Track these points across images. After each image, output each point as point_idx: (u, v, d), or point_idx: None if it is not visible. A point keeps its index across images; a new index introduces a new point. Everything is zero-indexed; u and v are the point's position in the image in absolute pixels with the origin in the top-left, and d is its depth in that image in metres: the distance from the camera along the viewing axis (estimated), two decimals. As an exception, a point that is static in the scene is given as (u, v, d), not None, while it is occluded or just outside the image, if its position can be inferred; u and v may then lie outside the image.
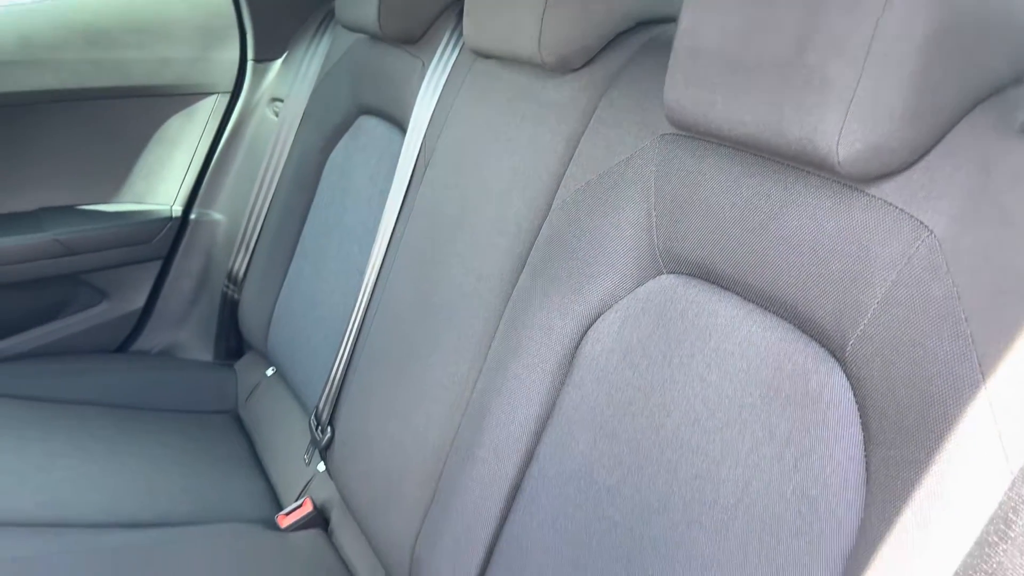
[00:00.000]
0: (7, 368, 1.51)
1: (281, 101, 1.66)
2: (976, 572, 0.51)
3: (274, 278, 1.56)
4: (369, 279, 1.25)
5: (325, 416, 1.26)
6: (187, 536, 1.18)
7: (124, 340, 1.71)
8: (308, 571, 1.15)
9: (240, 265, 1.65)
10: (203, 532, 1.20)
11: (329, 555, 1.20)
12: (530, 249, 0.95)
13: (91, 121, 1.60)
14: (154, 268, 1.69)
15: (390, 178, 1.29)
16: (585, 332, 0.88)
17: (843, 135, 0.61)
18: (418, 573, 0.98)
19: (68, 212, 1.61)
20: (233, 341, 1.72)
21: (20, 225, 1.55)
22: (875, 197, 0.63)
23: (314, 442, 1.27)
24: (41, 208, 1.59)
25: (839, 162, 0.62)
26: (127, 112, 1.63)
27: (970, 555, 0.52)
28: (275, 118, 1.69)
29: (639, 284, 0.84)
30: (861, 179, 0.63)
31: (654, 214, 0.81)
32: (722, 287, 0.76)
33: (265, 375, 1.60)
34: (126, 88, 1.59)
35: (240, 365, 1.70)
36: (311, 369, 1.39)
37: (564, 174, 0.93)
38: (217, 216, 1.73)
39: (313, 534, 1.24)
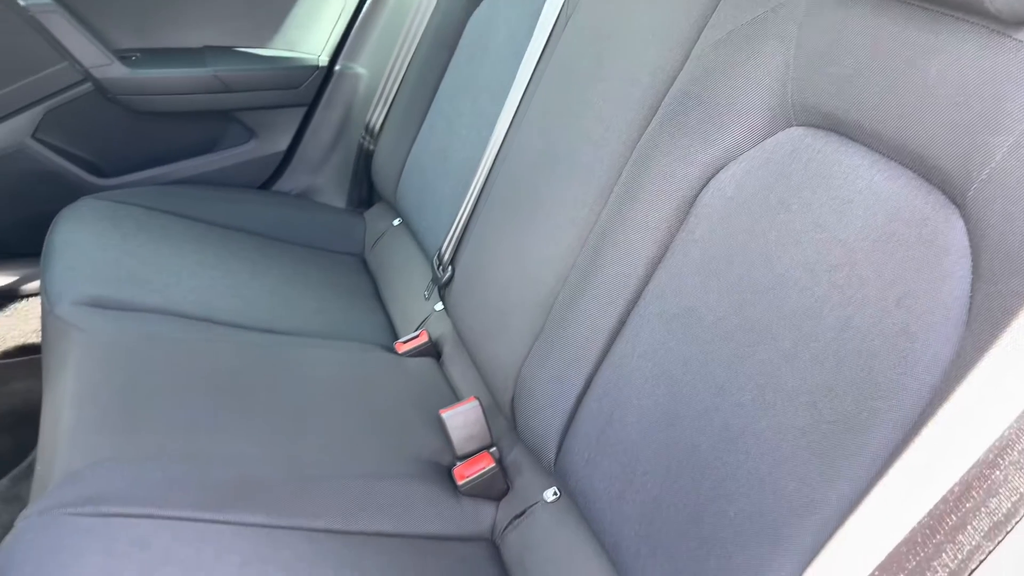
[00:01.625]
0: (168, 190, 1.68)
1: (429, -41, 1.71)
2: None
3: (408, 132, 1.64)
4: (499, 131, 1.31)
5: (447, 257, 1.34)
6: (317, 345, 1.31)
7: (267, 179, 1.85)
8: (420, 389, 1.27)
9: (377, 118, 1.74)
10: (331, 345, 1.32)
11: (439, 379, 1.31)
12: (662, 100, 0.98)
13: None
14: (299, 114, 1.81)
15: (530, 35, 1.32)
16: (707, 182, 0.91)
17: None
18: (520, 394, 1.07)
19: (228, 52, 1.73)
20: (365, 191, 1.83)
21: (186, 60, 1.68)
22: (1021, 41, 0.63)
23: (435, 280, 1.37)
24: (206, 46, 1.72)
25: (992, 2, 0.62)
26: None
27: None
28: (422, -24, 1.74)
29: (767, 136, 0.86)
30: (1012, 21, 0.63)
31: (792, 64, 0.83)
32: (850, 138, 0.78)
33: (392, 224, 1.71)
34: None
35: (369, 214, 1.81)
36: (436, 218, 1.48)
37: (706, 25, 0.94)
38: (360, 70, 1.82)
39: (427, 361, 1.35)
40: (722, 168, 0.90)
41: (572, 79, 1.14)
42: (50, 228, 1.44)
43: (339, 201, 1.87)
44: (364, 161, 1.78)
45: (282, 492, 0.98)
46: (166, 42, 1.70)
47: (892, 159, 0.73)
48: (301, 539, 0.95)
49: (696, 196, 0.92)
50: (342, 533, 0.98)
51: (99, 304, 1.24)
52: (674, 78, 0.97)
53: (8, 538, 0.84)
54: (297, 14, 1.77)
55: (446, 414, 1.10)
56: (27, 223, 1.69)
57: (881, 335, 0.69)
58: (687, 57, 0.96)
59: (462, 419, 1.10)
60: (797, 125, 0.83)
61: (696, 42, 0.95)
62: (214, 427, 1.06)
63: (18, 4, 1.56)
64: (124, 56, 1.67)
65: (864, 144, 0.76)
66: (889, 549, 0.58)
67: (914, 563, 0.56)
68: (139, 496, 0.91)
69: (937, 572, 0.54)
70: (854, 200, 0.74)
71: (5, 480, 1.32)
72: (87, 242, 1.39)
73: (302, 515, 0.97)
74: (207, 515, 0.92)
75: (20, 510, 0.89)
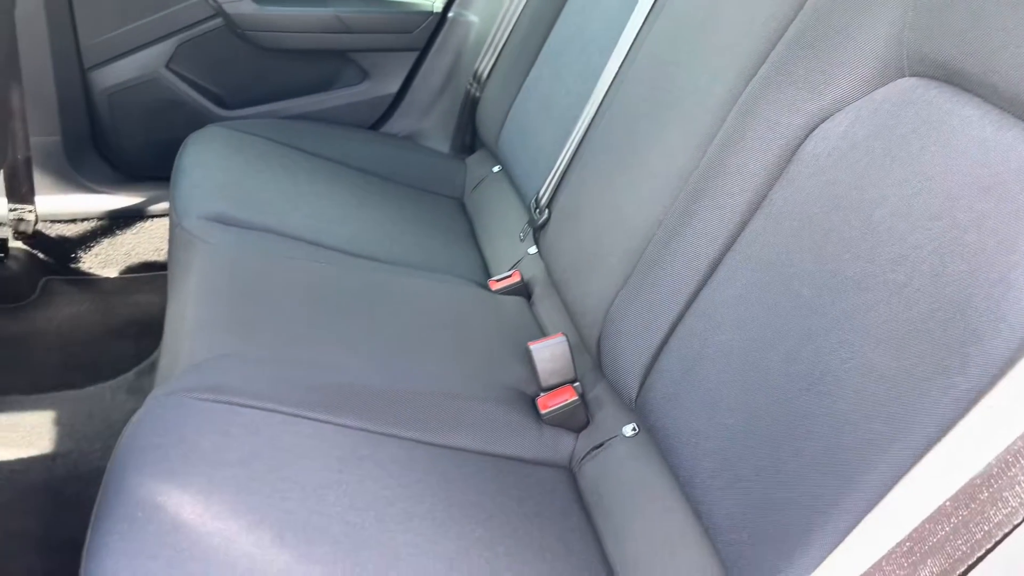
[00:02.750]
0: (285, 123, 1.77)
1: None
2: None
3: (514, 81, 1.68)
4: (605, 81, 1.33)
5: (544, 201, 1.39)
6: (416, 276, 1.38)
7: (377, 120, 1.93)
8: (510, 324, 1.32)
9: (485, 66, 1.78)
10: (428, 276, 1.39)
11: (528, 317, 1.36)
12: (772, 49, 0.99)
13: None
14: (411, 58, 1.87)
15: (642, -13, 1.34)
16: (811, 131, 0.92)
17: None
18: (607, 332, 1.11)
19: (350, -6, 1.80)
20: (468, 137, 1.89)
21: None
22: None
23: (531, 222, 1.41)
24: (328, -13, 1.80)
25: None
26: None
27: None
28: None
29: (878, 86, 0.86)
30: None
31: (911, 14, 0.83)
32: (965, 89, 0.78)
33: (491, 171, 1.76)
34: None
35: (471, 160, 1.87)
36: (535, 165, 1.51)
37: (824, -27, 0.94)
38: (472, 17, 1.87)
39: (518, 299, 1.40)
40: (828, 118, 0.91)
41: (683, 30, 1.16)
42: (180, 150, 1.55)
43: (443, 146, 1.93)
44: (469, 108, 1.83)
45: (378, 401, 1.05)
46: (293, -20, 1.79)
47: (1005, 111, 0.73)
48: (393, 444, 1.02)
49: (799, 145, 0.93)
50: (430, 444, 1.05)
51: (221, 220, 1.34)
52: (786, 27, 0.98)
53: (139, 413, 0.94)
54: (416, -40, 1.83)
55: (534, 346, 1.16)
56: (154, 148, 1.81)
57: (977, 283, 0.70)
58: (802, 6, 0.96)
59: (549, 352, 1.15)
60: (910, 75, 0.83)
61: (810, -9, 0.95)
62: (320, 338, 1.14)
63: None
64: (253, -7, 1.77)
65: (977, 95, 0.76)
66: (963, 483, 0.60)
67: (986, 494, 0.58)
68: (253, 390, 1.00)
69: (1008, 502, 0.56)
70: (962, 150, 0.75)
71: (130, 374, 1.45)
72: (212, 164, 1.49)
73: (395, 424, 1.04)
74: (311, 414, 1.00)
75: (143, 399, 0.98)
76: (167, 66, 1.80)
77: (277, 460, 0.91)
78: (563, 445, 1.13)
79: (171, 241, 1.38)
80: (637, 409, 1.05)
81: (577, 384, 1.17)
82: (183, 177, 1.45)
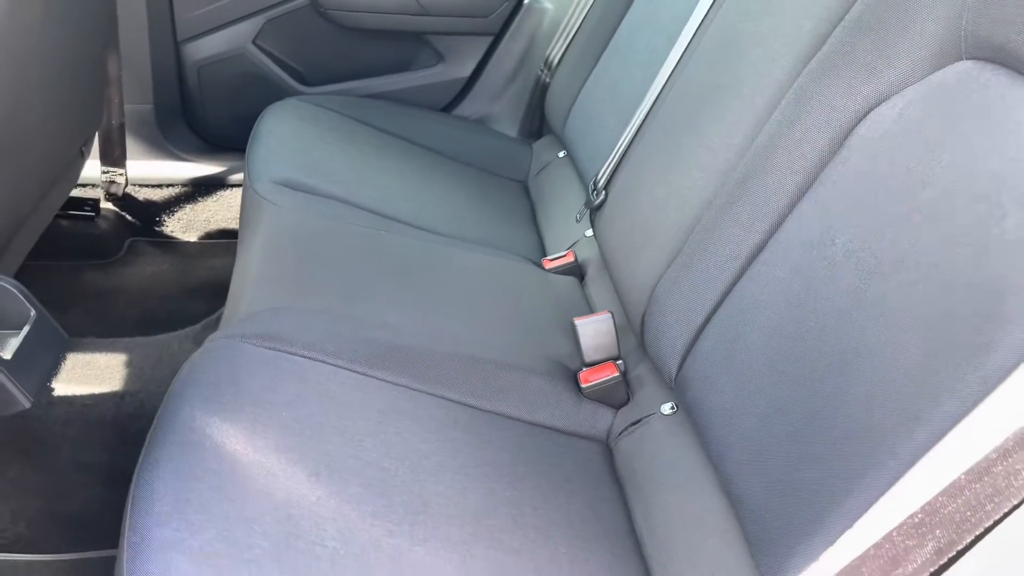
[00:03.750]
0: (361, 101, 1.84)
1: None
2: None
3: (584, 68, 1.70)
4: (668, 67, 1.34)
5: (602, 182, 1.40)
6: (472, 250, 1.41)
7: (449, 102, 1.98)
8: (559, 300, 1.34)
9: (557, 53, 1.81)
10: (484, 251, 1.42)
11: (579, 296, 1.38)
12: (831, 32, 0.98)
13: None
14: (485, 42, 1.91)
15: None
16: (866, 114, 0.92)
17: None
18: (651, 310, 1.12)
19: (427, -23, 1.85)
20: (536, 122, 1.92)
21: (389, -19, 1.83)
22: None
23: (588, 204, 1.43)
24: (407, -30, 1.85)
25: None
26: None
27: None
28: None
29: (935, 69, 0.85)
30: None
31: (971, -5, 0.82)
32: (1021, 73, 0.76)
33: (557, 156, 1.78)
34: None
35: (537, 144, 1.90)
36: (596, 148, 1.53)
37: (887, -43, 0.93)
38: (547, 4, 1.90)
39: (570, 279, 1.42)
40: (884, 101, 0.90)
41: (745, 15, 1.16)
42: (258, 119, 1.62)
43: (511, 130, 1.97)
44: (539, 93, 1.86)
45: (423, 361, 1.09)
46: (376, -38, 1.85)
47: (1059, 93, 0.71)
48: (434, 403, 1.05)
49: (853, 128, 0.93)
50: (470, 407, 1.08)
51: (290, 185, 1.40)
52: (847, 10, 0.97)
53: (197, 353, 1.00)
54: (494, -53, 1.87)
55: (579, 321, 1.17)
56: (237, 120, 1.90)
57: (1016, 267, 0.69)
58: (863, -10, 0.96)
59: (593, 328, 1.17)
60: (967, 59, 0.82)
61: (874, -26, 0.95)
62: (372, 297, 1.18)
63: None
64: (338, -27, 1.84)
65: (1033, 78, 0.74)
66: (978, 458, 0.60)
67: (1000, 468, 0.57)
68: (304, 340, 1.05)
69: (1021, 474, 0.55)
70: (1010, 131, 0.73)
71: (197, 326, 1.53)
72: (287, 134, 1.56)
73: (438, 383, 1.08)
74: (357, 367, 1.05)
75: (208, 347, 1.04)
76: (254, 42, 1.88)
77: (320, 406, 0.96)
78: (601, 420, 1.15)
79: (243, 202, 1.46)
80: (676, 387, 1.06)
81: (620, 362, 1.18)
82: (258, 144, 1.52)
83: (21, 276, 1.35)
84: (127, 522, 0.76)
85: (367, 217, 1.40)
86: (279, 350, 1.02)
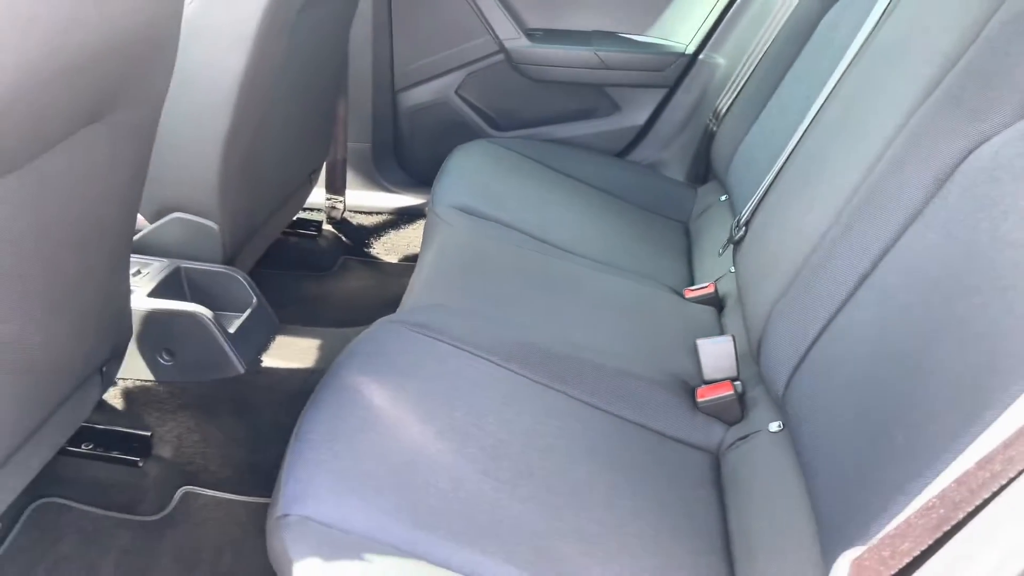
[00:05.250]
0: (542, 144, 2.05)
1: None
2: None
3: (748, 118, 1.80)
4: (813, 111, 1.42)
5: (744, 219, 1.49)
6: (620, 275, 1.55)
7: (623, 148, 2.14)
8: (692, 325, 1.44)
9: (725, 104, 1.92)
10: (631, 277, 1.56)
11: (712, 323, 1.47)
12: (943, 77, 1.04)
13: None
14: (659, 94, 2.06)
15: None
16: (968, 155, 0.96)
17: None
18: (768, 334, 1.19)
19: (610, 36, 2.04)
20: (702, 168, 2.03)
21: (576, 39, 2.03)
22: None
23: (730, 239, 1.52)
24: (594, 30, 2.06)
25: None
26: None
27: None
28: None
29: (1030, 112, 0.89)
30: None
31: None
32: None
33: (718, 200, 1.88)
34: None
35: (702, 189, 2.00)
36: (751, 191, 1.62)
37: (999, 8, 0.98)
38: (720, 60, 2.02)
39: (708, 308, 1.52)
40: (985, 142, 0.95)
41: (878, 63, 1.23)
42: (449, 156, 1.88)
43: (679, 175, 2.09)
44: (707, 141, 1.97)
45: (554, 361, 1.24)
46: (563, 24, 2.08)
47: None
48: (559, 399, 1.20)
49: (956, 167, 0.98)
50: (592, 406, 1.21)
51: (465, 210, 1.63)
52: (960, 56, 1.02)
53: (364, 332, 1.22)
54: (675, 6, 2.02)
55: (701, 341, 1.27)
56: (437, 159, 2.17)
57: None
58: (976, 37, 1.01)
59: (713, 348, 1.27)
60: (1059, 100, 0.86)
61: (989, 22, 1.00)
62: (517, 305, 1.36)
63: (463, -12, 2.05)
64: (530, 33, 2.08)
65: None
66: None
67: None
68: (452, 332, 1.24)
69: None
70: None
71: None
72: (471, 168, 1.79)
73: (564, 382, 1.22)
74: (495, 359, 1.22)
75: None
76: (456, 91, 2.17)
77: (454, 385, 1.14)
78: (713, 433, 1.23)
79: (426, 222, 1.70)
80: (783, 405, 1.13)
81: (738, 383, 1.26)
82: (445, 176, 1.77)
83: (251, 277, 1.68)
84: (290, 444, 0.97)
85: (527, 240, 1.58)
86: (430, 336, 1.22)
